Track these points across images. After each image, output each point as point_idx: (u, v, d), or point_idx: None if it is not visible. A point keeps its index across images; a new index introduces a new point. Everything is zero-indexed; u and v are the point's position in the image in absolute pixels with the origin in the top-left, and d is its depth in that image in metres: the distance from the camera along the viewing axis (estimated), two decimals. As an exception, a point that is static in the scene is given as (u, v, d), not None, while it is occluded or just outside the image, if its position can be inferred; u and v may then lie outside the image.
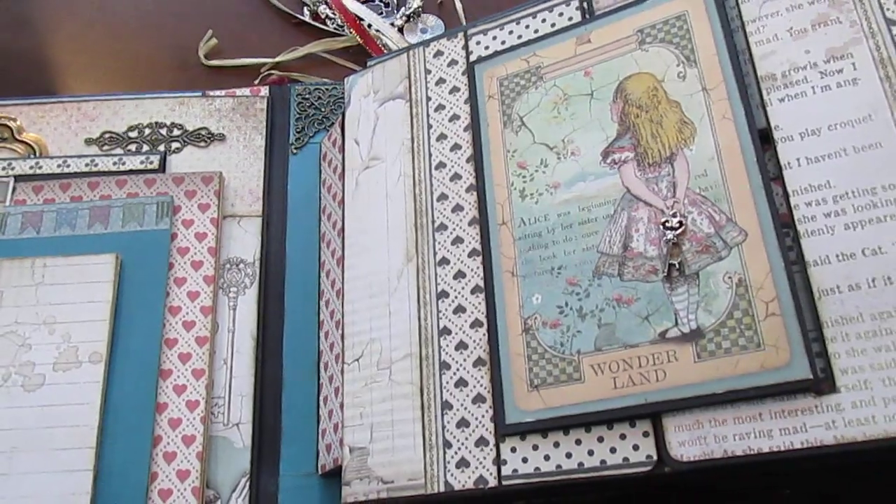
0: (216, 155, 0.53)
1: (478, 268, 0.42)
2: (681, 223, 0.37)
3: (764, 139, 0.37)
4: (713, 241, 0.36)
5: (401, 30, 0.63)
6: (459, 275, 0.42)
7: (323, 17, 0.63)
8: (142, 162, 0.52)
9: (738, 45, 0.39)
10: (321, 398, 0.46)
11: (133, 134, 0.54)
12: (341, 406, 0.43)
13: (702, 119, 0.39)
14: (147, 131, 0.54)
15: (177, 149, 0.53)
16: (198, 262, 0.49)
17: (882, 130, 0.35)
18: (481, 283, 0.41)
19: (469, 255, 0.42)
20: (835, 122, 0.36)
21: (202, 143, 0.54)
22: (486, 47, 0.47)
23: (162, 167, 0.52)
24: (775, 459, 0.33)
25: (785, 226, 0.36)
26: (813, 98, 0.37)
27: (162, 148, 0.53)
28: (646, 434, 0.35)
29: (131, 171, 0.52)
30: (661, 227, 0.38)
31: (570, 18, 0.45)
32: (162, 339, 0.47)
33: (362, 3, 0.63)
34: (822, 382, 0.33)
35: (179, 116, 0.54)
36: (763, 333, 0.34)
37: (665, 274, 0.37)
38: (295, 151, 0.55)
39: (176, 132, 0.54)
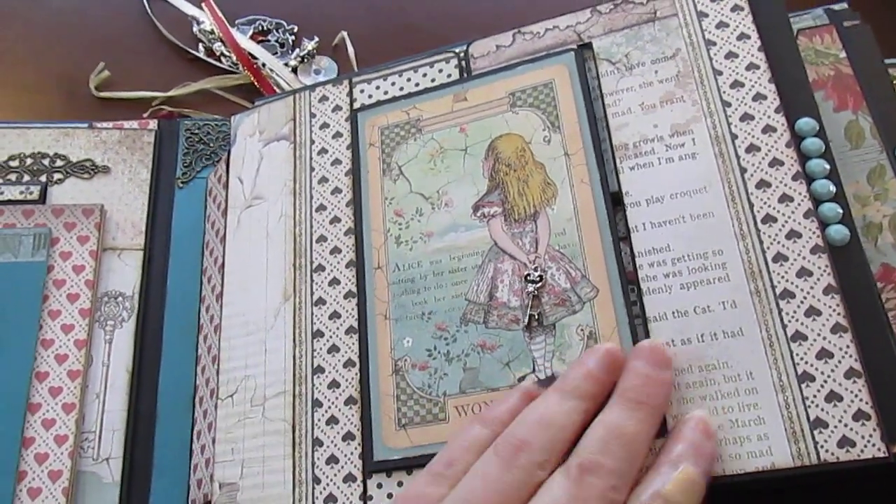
0: (100, 187, 0.53)
1: (353, 309, 0.44)
2: (541, 277, 0.40)
3: (616, 203, 0.41)
4: (569, 295, 0.40)
5: (294, 70, 0.64)
6: (335, 315, 0.44)
7: (218, 54, 0.64)
8: (21, 192, 0.52)
9: (597, 115, 0.43)
10: (195, 433, 0.47)
11: (14, 164, 0.53)
12: (213, 441, 0.44)
13: (563, 181, 0.42)
14: (29, 161, 0.53)
15: (59, 180, 0.53)
16: (74, 294, 0.49)
17: (714, 202, 0.39)
18: (355, 325, 0.43)
19: (345, 297, 0.44)
20: (676, 191, 0.40)
21: (86, 175, 0.54)
22: (370, 96, 0.50)
23: (42, 198, 0.52)
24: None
25: (631, 283, 0.39)
26: (658, 168, 0.41)
27: (43, 179, 0.53)
28: (501, 472, 0.38)
29: (10, 202, 0.51)
30: (524, 279, 0.41)
31: (449, 76, 0.48)
32: (32, 372, 0.46)
33: (257, 42, 0.65)
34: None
35: (64, 147, 0.54)
36: (607, 381, 0.37)
37: (525, 324, 0.40)
38: (181, 186, 0.55)
39: (59, 163, 0.54)
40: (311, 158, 0.49)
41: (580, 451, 0.33)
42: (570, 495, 0.32)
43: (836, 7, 0.48)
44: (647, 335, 0.38)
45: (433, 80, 0.49)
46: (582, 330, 0.39)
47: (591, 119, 0.43)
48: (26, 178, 0.53)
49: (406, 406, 0.40)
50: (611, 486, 0.32)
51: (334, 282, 0.45)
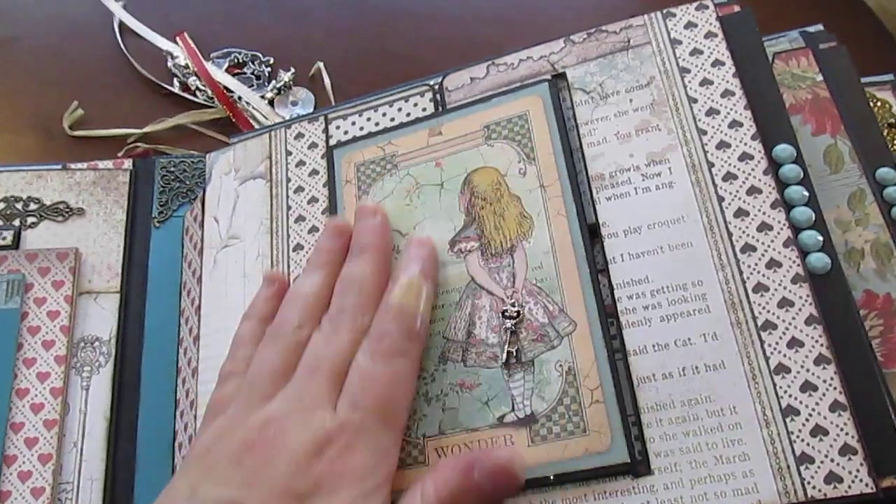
0: (74, 230, 0.53)
1: (331, 351, 0.43)
2: (518, 313, 0.40)
3: (593, 234, 0.41)
4: (547, 330, 0.39)
5: (271, 103, 0.64)
6: (313, 357, 0.43)
7: (193, 88, 0.63)
8: (-7, 238, 0.51)
9: (572, 145, 0.43)
10: (175, 480, 0.46)
11: (-14, 208, 0.52)
12: (194, 489, 0.43)
13: (539, 214, 0.42)
14: (2, 206, 0.53)
15: (33, 224, 0.52)
16: (49, 341, 0.48)
17: (692, 231, 0.39)
18: (334, 366, 0.43)
19: (323, 338, 0.44)
20: (653, 221, 0.40)
21: (60, 218, 0.53)
22: (346, 132, 0.49)
23: (16, 243, 0.51)
24: (598, 539, 0.35)
25: (610, 317, 0.39)
26: (635, 198, 0.41)
27: (17, 223, 0.52)
28: (484, 515, 0.37)
29: (-18, 247, 0.50)
30: (501, 315, 0.40)
31: (424, 109, 0.48)
32: (7, 423, 0.46)
33: (233, 75, 0.64)
34: (638, 465, 0.35)
35: (37, 190, 0.54)
36: (588, 419, 0.36)
37: (504, 361, 0.39)
38: (157, 225, 0.55)
39: (32, 206, 0.53)
40: (287, 197, 0.48)
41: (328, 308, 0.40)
42: (326, 338, 0.39)
43: (812, 29, 0.47)
44: (627, 369, 0.37)
45: (408, 115, 0.48)
46: (561, 366, 0.38)
47: (567, 150, 0.42)
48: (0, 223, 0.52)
49: (386, 449, 0.40)
50: (354, 316, 0.39)
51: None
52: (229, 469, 0.35)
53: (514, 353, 0.39)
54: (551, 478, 0.36)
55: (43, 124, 0.61)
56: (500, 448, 0.37)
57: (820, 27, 0.48)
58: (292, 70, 0.64)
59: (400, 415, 0.38)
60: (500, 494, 0.35)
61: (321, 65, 0.64)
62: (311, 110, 0.64)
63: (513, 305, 0.40)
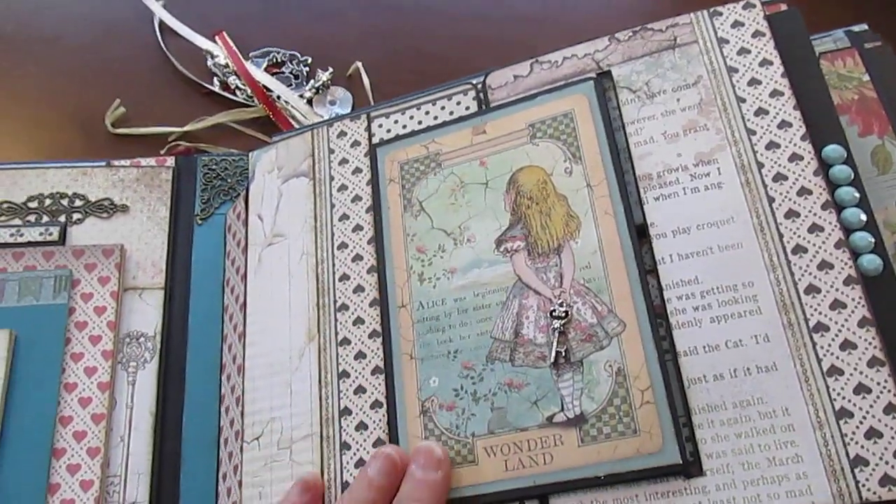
0: (118, 226, 0.53)
1: (378, 349, 0.43)
2: (567, 313, 0.40)
3: (641, 234, 0.41)
4: (595, 330, 0.39)
5: (310, 102, 0.64)
6: (360, 355, 0.44)
7: (233, 87, 0.64)
8: (41, 234, 0.52)
9: (619, 145, 0.43)
10: (220, 475, 0.46)
11: (33, 205, 0.53)
12: (240, 484, 0.44)
13: (586, 214, 0.42)
14: (48, 202, 0.53)
15: (78, 220, 0.53)
16: (96, 336, 0.49)
17: (743, 232, 0.39)
18: (381, 364, 0.43)
19: (369, 336, 0.44)
20: (702, 222, 0.40)
21: (104, 214, 0.54)
22: (388, 130, 0.49)
23: (62, 239, 0.52)
24: (649, 539, 0.35)
25: (659, 317, 0.39)
26: (684, 198, 0.40)
27: (63, 219, 0.53)
28: (533, 514, 0.37)
29: (30, 244, 0.51)
30: (549, 315, 0.40)
31: (468, 108, 0.48)
32: (56, 417, 0.46)
33: (272, 74, 0.65)
34: (690, 466, 0.35)
35: (82, 187, 0.54)
36: (639, 420, 0.37)
37: (552, 361, 0.39)
38: (200, 222, 0.55)
39: (78, 203, 0.54)
40: (331, 195, 0.49)
41: None
42: None
43: (857, 29, 0.47)
44: (678, 370, 0.37)
45: (451, 113, 0.48)
46: (610, 366, 0.38)
47: (613, 149, 0.42)
48: (45, 218, 0.53)
49: (434, 447, 0.40)
50: None
51: (358, 321, 0.44)
52: None
53: (563, 353, 0.39)
54: (602, 477, 0.36)
55: (85, 122, 0.62)
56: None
57: (864, 27, 0.48)
58: (330, 70, 0.65)
59: None
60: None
61: (360, 64, 0.65)
62: (350, 109, 0.64)
63: (561, 305, 0.40)
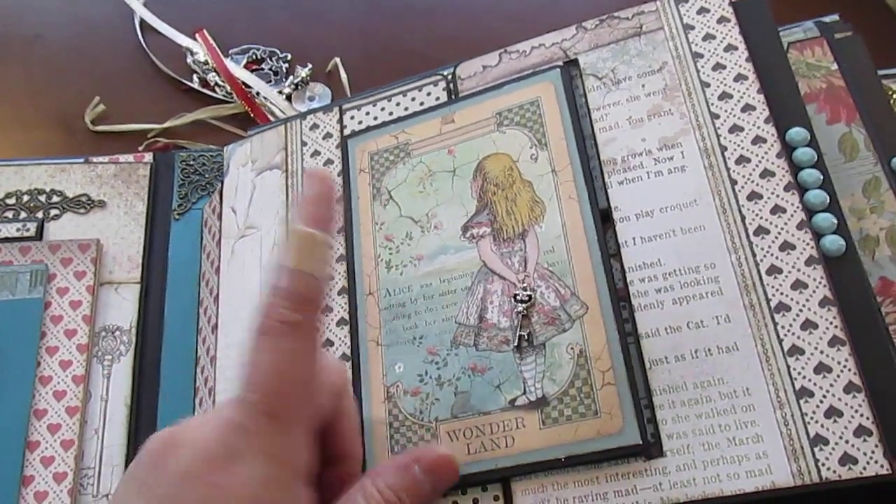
0: (96, 221, 0.54)
1: (345, 336, 0.43)
2: (530, 296, 0.40)
3: (605, 219, 0.41)
4: (558, 313, 0.39)
5: (289, 98, 0.64)
6: (328, 343, 0.44)
7: (212, 84, 0.64)
8: (18, 230, 0.52)
9: (584, 131, 0.43)
10: (193, 466, 0.46)
11: (11, 201, 0.53)
12: (211, 474, 0.44)
13: (551, 199, 0.42)
14: (26, 198, 0.54)
15: (55, 215, 0.53)
16: (71, 330, 0.49)
17: (705, 214, 0.39)
18: (348, 352, 0.43)
19: (337, 324, 0.44)
20: (665, 205, 0.40)
21: (82, 210, 0.54)
22: (360, 122, 0.50)
23: (39, 234, 0.52)
24: (610, 521, 0.35)
25: (621, 300, 0.38)
26: (647, 182, 0.40)
27: (40, 215, 0.53)
28: (496, 498, 0.37)
29: (7, 239, 0.51)
30: (513, 299, 0.40)
31: (437, 98, 0.48)
32: (31, 410, 0.46)
33: (251, 71, 0.65)
34: (650, 447, 0.35)
35: (60, 183, 0.55)
36: (600, 402, 0.36)
37: (515, 344, 0.39)
38: (177, 217, 0.55)
39: (55, 199, 0.54)
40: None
41: None
42: None
43: (827, 19, 0.47)
44: (639, 352, 0.37)
45: (422, 104, 0.49)
46: (572, 349, 0.38)
47: (578, 134, 0.42)
48: (23, 214, 0.53)
49: (399, 433, 0.40)
50: None
51: (326, 309, 0.45)
52: None
53: (526, 337, 0.39)
54: (562, 459, 0.36)
55: (65, 120, 0.62)
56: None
57: (835, 17, 0.48)
58: (309, 66, 0.65)
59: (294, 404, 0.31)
60: (441, 487, 0.35)
61: (338, 60, 0.65)
62: (328, 104, 0.64)
63: (524, 289, 0.40)
